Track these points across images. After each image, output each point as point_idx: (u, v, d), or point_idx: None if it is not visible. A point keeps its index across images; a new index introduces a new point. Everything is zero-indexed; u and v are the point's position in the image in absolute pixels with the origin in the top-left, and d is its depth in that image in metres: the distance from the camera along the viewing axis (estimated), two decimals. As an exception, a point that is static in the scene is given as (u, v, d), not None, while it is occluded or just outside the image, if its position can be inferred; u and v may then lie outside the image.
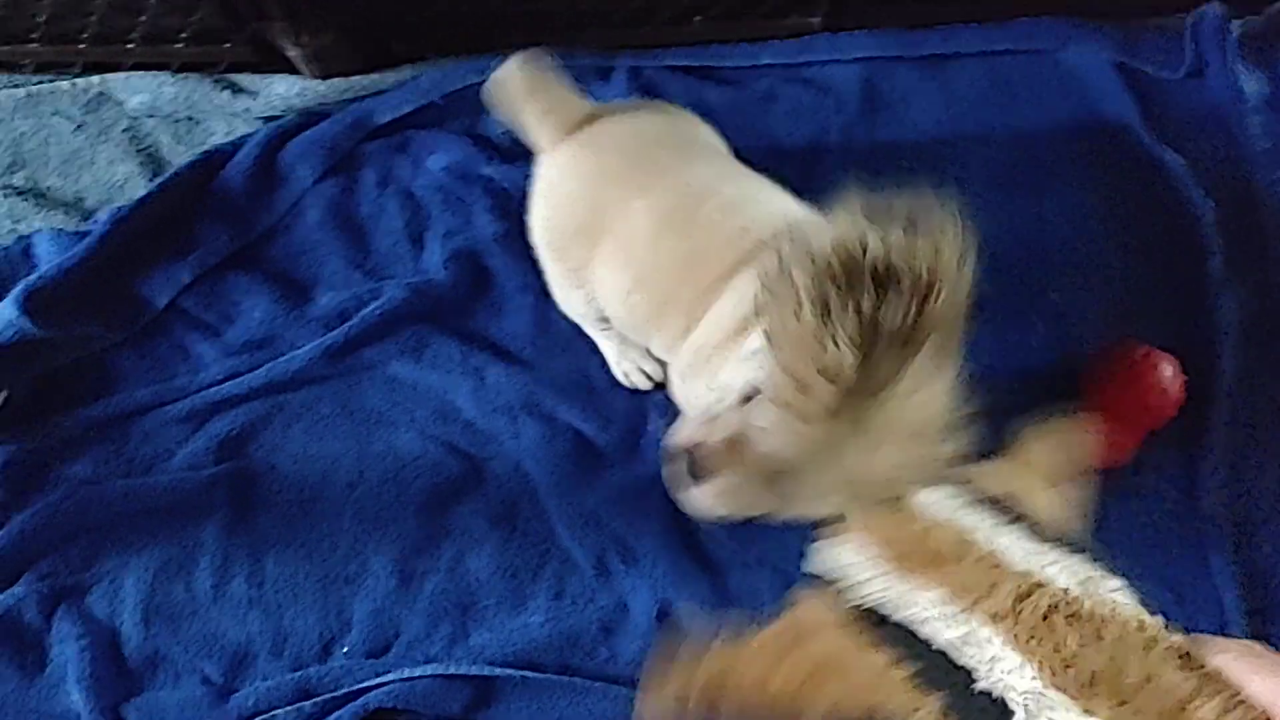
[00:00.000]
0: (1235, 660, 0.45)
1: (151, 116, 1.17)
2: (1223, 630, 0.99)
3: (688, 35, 1.21)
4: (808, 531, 0.61)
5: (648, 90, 1.19)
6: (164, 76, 1.18)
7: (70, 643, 1.00)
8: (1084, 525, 0.59)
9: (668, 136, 0.87)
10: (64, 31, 1.15)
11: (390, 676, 0.96)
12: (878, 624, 0.53)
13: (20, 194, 1.15)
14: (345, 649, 1.01)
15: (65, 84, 1.19)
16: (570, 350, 1.07)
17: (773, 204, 0.82)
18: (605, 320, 0.93)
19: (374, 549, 1.03)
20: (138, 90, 1.18)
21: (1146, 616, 0.49)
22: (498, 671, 0.95)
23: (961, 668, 0.49)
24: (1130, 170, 1.17)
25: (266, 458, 1.06)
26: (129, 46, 1.17)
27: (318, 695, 0.97)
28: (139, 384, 1.08)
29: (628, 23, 1.19)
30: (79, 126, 1.18)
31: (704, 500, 0.69)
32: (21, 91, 1.20)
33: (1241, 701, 0.43)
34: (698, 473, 0.68)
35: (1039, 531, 0.56)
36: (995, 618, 0.50)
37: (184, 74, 1.17)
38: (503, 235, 1.11)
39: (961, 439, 0.63)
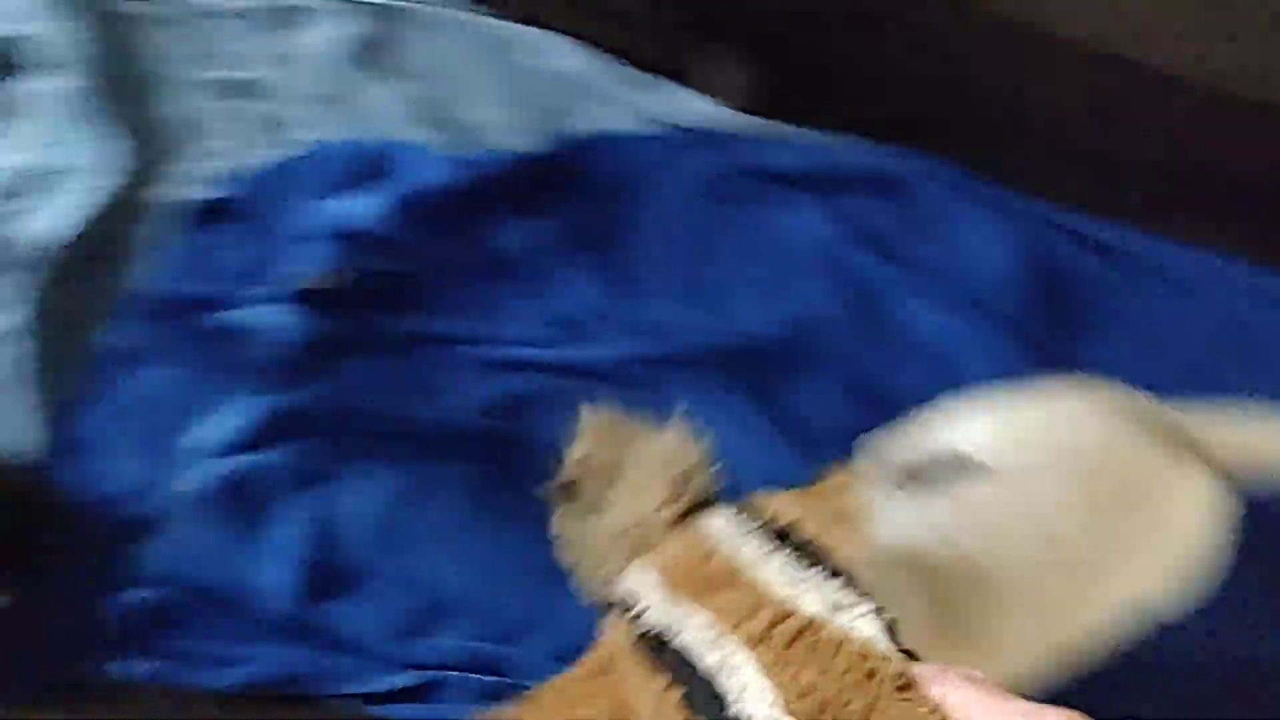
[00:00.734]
0: (954, 690, 0.46)
1: (558, 81, 1.21)
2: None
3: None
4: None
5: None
6: (580, 48, 1.22)
7: (295, 525, 1.01)
8: (864, 556, 0.60)
9: None
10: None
11: None
12: (658, 648, 0.56)
13: (410, 103, 1.19)
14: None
15: (491, 20, 1.25)
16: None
17: None
18: None
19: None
20: (551, 51, 1.23)
21: (879, 645, 0.51)
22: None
23: (720, 693, 0.51)
24: None
25: (541, 433, 1.05)
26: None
27: (500, 675, 0.94)
28: (454, 315, 1.10)
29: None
30: (487, 64, 1.23)
31: None
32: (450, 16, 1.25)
33: None
34: None
35: (806, 558, 0.58)
36: (750, 642, 0.53)
37: (600, 51, 1.21)
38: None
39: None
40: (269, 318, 1.06)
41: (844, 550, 0.59)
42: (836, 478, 0.72)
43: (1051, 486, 0.69)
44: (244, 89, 1.20)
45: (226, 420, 1.05)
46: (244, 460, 1.02)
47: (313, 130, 1.18)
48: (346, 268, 1.07)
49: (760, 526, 0.62)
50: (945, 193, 1.15)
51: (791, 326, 1.09)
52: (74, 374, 1.08)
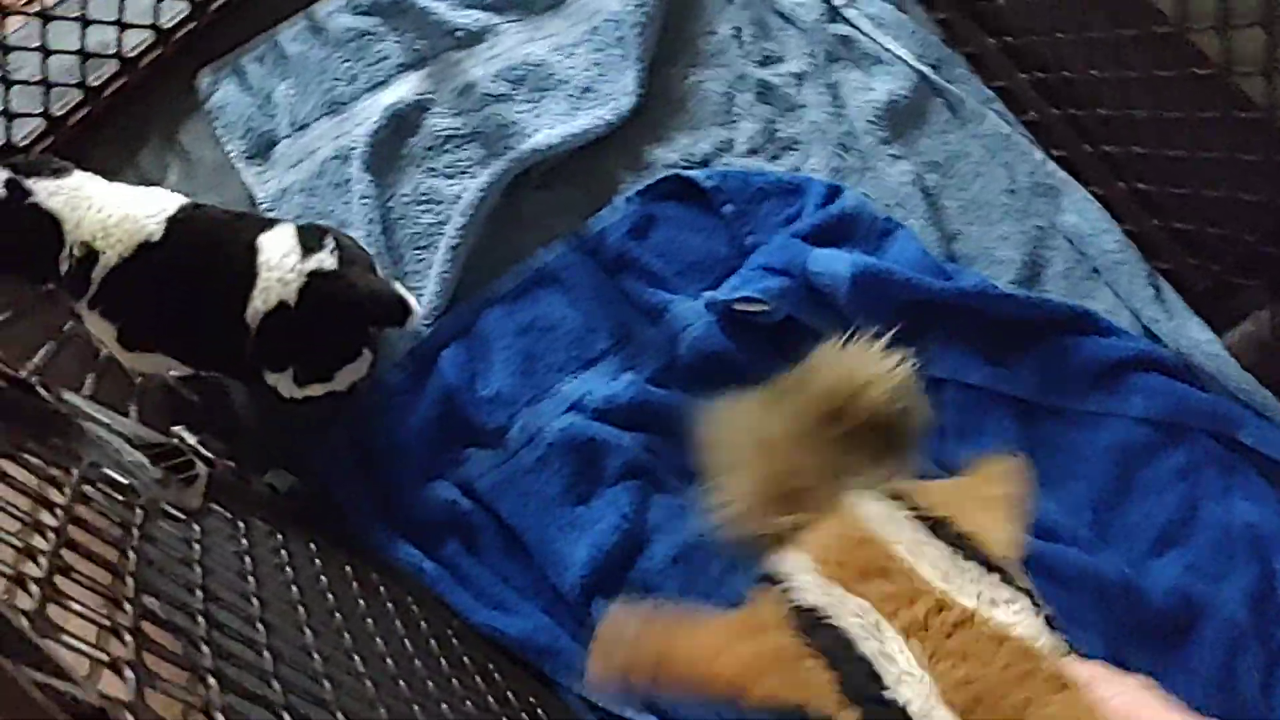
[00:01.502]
0: (1124, 693, 0.46)
1: (1068, 234, 1.12)
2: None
3: None
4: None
5: None
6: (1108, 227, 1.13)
7: (614, 513, 1.00)
8: (1013, 550, 0.61)
9: None
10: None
11: None
12: (813, 628, 0.57)
13: (914, 182, 1.14)
14: None
15: (1024, 141, 1.18)
16: None
17: None
18: None
19: None
20: (1071, 206, 1.14)
21: (1042, 639, 0.53)
22: None
23: (878, 677, 0.53)
24: None
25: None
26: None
27: None
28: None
29: None
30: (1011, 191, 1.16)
31: None
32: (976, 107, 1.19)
33: None
34: None
35: (963, 550, 0.58)
36: (908, 631, 0.54)
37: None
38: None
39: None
40: (691, 316, 1.05)
41: (998, 544, 0.60)
42: (987, 467, 0.72)
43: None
44: (777, 98, 1.19)
45: (604, 385, 1.05)
46: (601, 429, 1.02)
47: (807, 157, 1.17)
48: (778, 306, 1.04)
49: (915, 515, 0.62)
50: None
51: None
52: (498, 272, 1.12)
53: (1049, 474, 0.99)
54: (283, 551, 0.79)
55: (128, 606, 0.47)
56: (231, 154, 1.18)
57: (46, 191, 0.88)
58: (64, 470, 0.58)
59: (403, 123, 1.17)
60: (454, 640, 0.89)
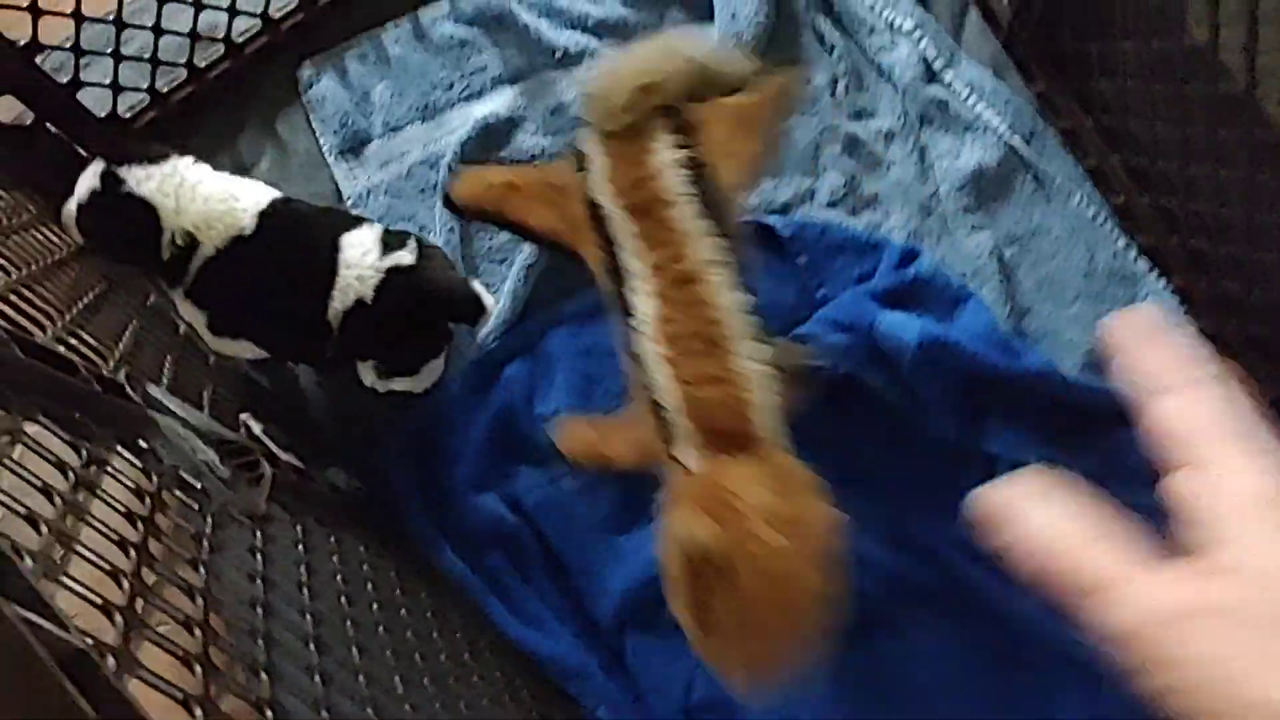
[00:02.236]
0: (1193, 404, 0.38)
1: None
2: None
3: None
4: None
5: None
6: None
7: (653, 551, 1.00)
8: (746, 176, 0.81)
9: None
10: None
11: None
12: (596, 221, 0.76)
13: (992, 254, 1.14)
14: None
15: (1106, 228, 1.16)
16: None
17: None
18: None
19: None
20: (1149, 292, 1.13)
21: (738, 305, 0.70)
22: None
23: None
24: None
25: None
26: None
27: None
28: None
29: None
30: (1079, 258, 1.15)
31: None
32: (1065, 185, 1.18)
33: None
34: None
35: (715, 202, 0.72)
36: (655, 270, 0.71)
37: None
38: None
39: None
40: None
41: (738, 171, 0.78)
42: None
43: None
44: (864, 154, 1.19)
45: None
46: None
47: (888, 215, 1.16)
48: (840, 363, 1.04)
49: (689, 159, 0.73)
50: None
51: None
52: (568, 294, 1.14)
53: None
54: (335, 557, 0.81)
55: (197, 632, 0.49)
56: (324, 147, 1.21)
57: (137, 179, 0.90)
58: (147, 476, 0.61)
59: (492, 135, 1.19)
60: (488, 654, 0.91)
